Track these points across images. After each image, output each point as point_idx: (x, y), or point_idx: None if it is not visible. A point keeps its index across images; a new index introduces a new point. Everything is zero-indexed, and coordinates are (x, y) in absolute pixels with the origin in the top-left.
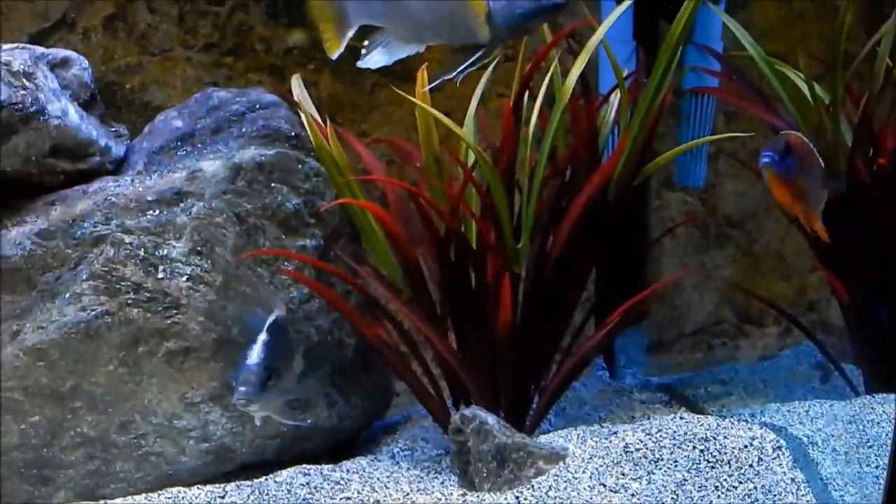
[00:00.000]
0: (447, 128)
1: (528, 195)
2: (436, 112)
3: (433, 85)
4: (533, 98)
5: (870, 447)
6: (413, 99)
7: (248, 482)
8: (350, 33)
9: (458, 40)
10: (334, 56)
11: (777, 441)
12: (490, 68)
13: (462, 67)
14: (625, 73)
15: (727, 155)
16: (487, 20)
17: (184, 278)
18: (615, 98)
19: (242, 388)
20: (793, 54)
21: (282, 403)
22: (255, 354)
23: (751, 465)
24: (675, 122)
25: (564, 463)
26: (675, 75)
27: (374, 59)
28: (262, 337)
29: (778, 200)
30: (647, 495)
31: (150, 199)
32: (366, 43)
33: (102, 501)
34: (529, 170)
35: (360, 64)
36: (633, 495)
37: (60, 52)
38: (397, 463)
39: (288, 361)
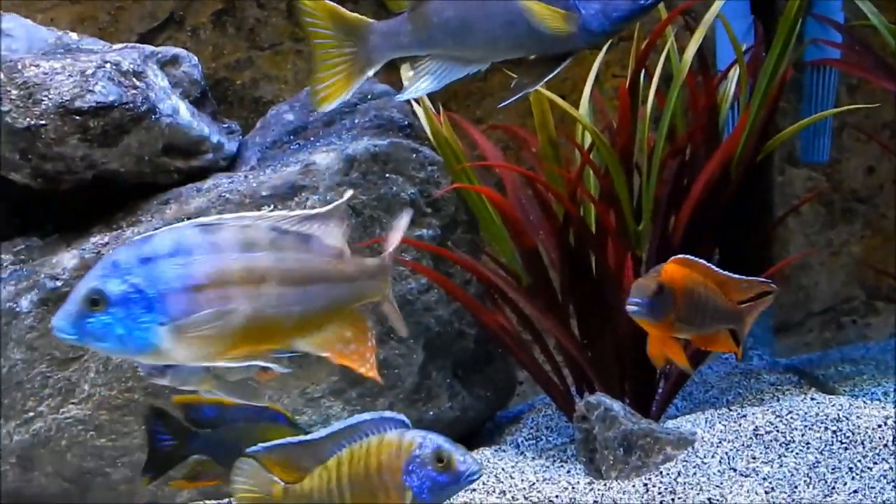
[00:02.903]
0: (563, 111)
1: (648, 176)
2: (551, 95)
3: (514, 100)
4: (649, 77)
5: None
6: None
7: None
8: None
9: (548, 51)
10: (325, 109)
11: None
12: (603, 50)
13: (551, 75)
14: (743, 48)
15: (852, 128)
16: (576, 26)
17: None
18: (734, 74)
19: None
20: None
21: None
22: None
23: (885, 446)
24: (797, 97)
25: (693, 448)
26: (795, 48)
27: (422, 86)
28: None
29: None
30: (779, 479)
31: (264, 194)
32: (409, 73)
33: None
34: (648, 150)
35: (401, 97)
36: (764, 479)
37: (170, 50)
38: (522, 453)
39: None
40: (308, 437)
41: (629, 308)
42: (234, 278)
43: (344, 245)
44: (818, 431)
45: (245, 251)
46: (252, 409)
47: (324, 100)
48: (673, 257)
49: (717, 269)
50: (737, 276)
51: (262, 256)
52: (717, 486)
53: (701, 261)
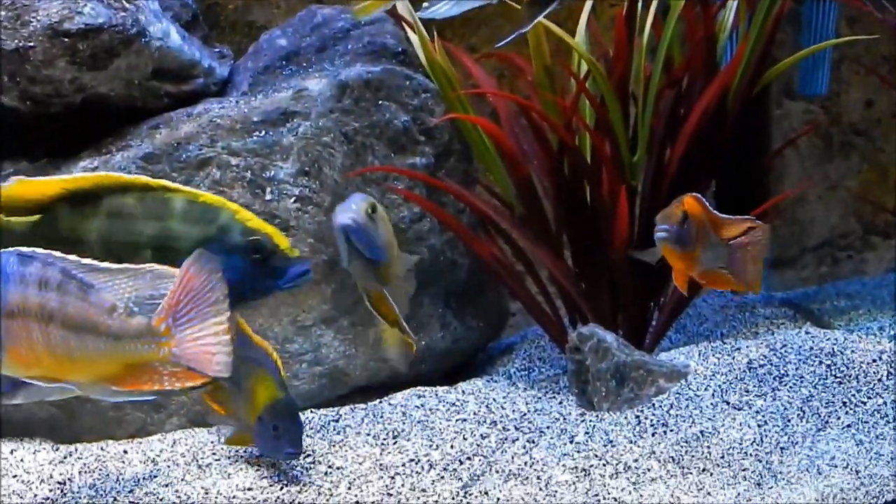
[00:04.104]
0: (558, 39)
1: (644, 107)
2: (547, 23)
3: (510, 40)
4: (646, 6)
5: None
6: (518, 7)
7: (363, 405)
8: None
9: None
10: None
11: None
12: None
13: (548, 10)
14: None
15: (851, 60)
16: None
17: (292, 200)
18: (732, 4)
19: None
20: None
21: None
22: None
23: (880, 380)
24: (796, 29)
25: (686, 381)
26: None
27: (443, 9)
28: None
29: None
30: (772, 412)
31: (255, 119)
32: None
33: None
34: (644, 81)
35: (422, 15)
36: (757, 412)
37: None
38: (514, 383)
39: None
40: None
41: (657, 235)
42: (31, 313)
43: (123, 303)
44: (812, 365)
45: (40, 290)
46: (258, 352)
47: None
48: (687, 195)
49: (705, 203)
50: (725, 216)
51: (52, 296)
52: (709, 419)
53: (697, 196)
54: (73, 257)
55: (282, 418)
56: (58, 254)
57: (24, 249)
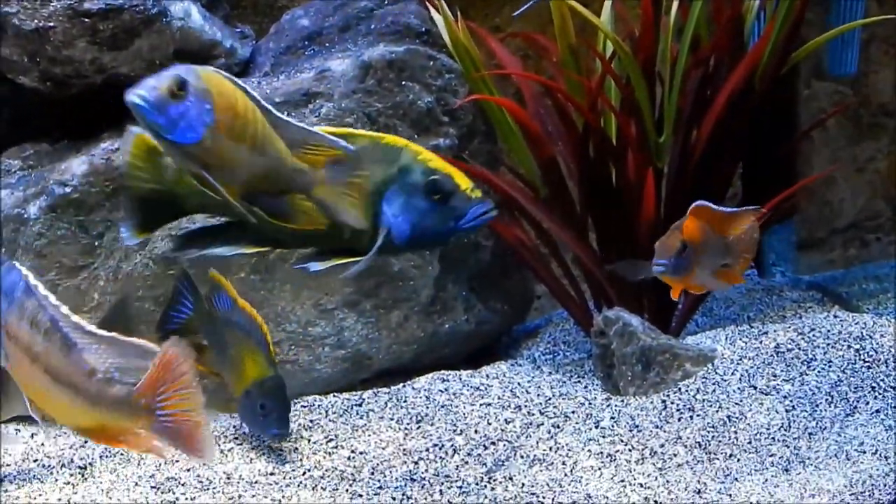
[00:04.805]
0: (583, 18)
1: (670, 87)
2: (571, 2)
3: (525, 8)
4: None
5: None
6: None
7: (386, 389)
8: None
9: None
10: None
11: None
12: None
13: None
14: None
15: (881, 40)
16: None
17: None
18: None
19: None
20: None
21: None
22: None
23: None
24: (824, 9)
25: (713, 365)
26: None
27: None
28: None
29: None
30: (800, 397)
31: (277, 100)
32: None
33: None
34: (671, 61)
35: None
36: (785, 397)
37: None
38: (539, 367)
39: None
40: None
41: (655, 269)
42: (22, 345)
43: (102, 368)
44: (840, 350)
45: (31, 328)
46: (251, 325)
47: None
48: (690, 209)
49: (715, 207)
50: (728, 209)
51: (38, 340)
52: (736, 404)
53: (706, 204)
54: (64, 309)
55: (270, 397)
56: (52, 299)
57: (30, 279)
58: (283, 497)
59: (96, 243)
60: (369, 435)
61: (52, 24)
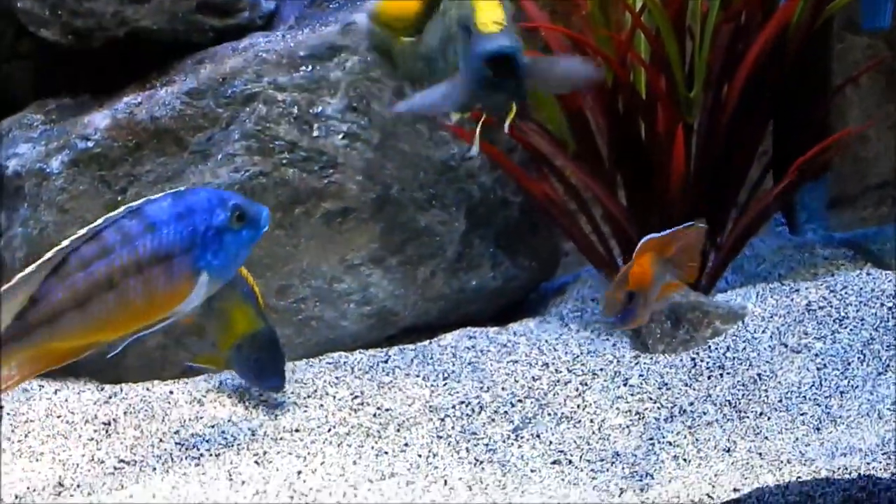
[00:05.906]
0: None
1: (701, 41)
2: None
3: None
4: None
5: None
6: None
7: (412, 346)
8: None
9: None
10: None
11: None
12: None
13: None
14: None
15: None
16: None
17: (339, 136)
18: None
19: None
20: None
21: None
22: None
23: None
24: None
25: (743, 322)
26: None
27: None
28: None
29: None
30: (831, 355)
31: (302, 54)
32: None
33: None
34: (701, 14)
35: None
36: (816, 355)
37: None
38: (566, 325)
39: None
40: None
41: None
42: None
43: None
44: (873, 307)
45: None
46: (235, 276)
47: None
48: (636, 252)
49: (657, 235)
50: (666, 232)
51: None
52: (767, 362)
53: (650, 237)
54: None
55: (264, 349)
56: None
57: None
58: (309, 454)
59: (119, 198)
60: (395, 392)
61: None
